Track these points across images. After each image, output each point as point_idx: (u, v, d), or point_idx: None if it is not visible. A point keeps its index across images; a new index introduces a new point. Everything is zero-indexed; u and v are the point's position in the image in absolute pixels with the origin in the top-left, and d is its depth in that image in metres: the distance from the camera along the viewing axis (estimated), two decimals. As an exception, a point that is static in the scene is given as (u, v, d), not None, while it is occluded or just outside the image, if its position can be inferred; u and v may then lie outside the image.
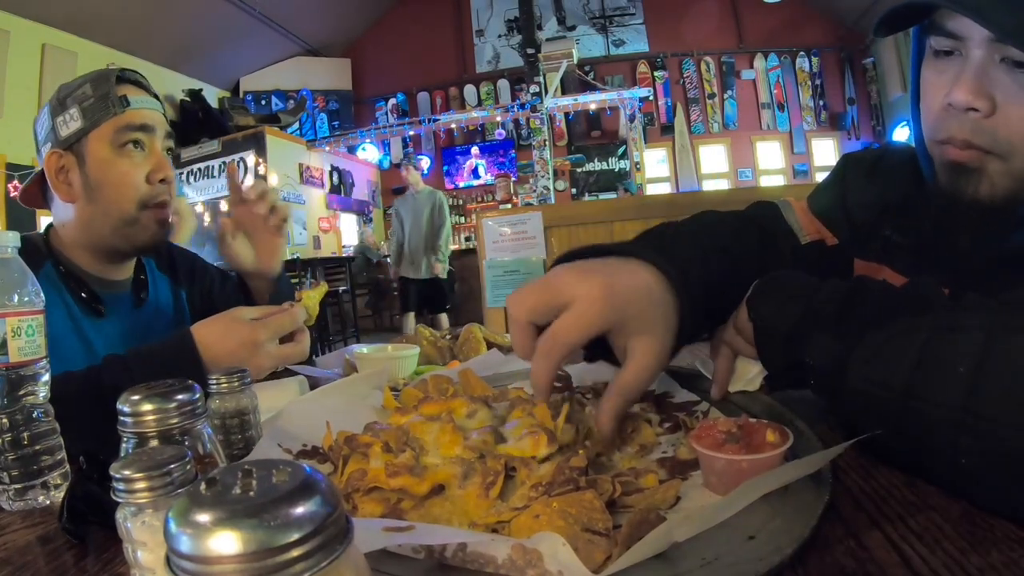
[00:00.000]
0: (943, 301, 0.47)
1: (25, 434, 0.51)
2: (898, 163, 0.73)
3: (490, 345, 1.04)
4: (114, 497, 0.31)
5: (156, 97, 0.99)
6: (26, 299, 0.52)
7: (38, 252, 0.94)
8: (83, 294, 0.95)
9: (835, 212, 0.76)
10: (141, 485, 0.30)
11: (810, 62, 8.78)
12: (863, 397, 0.45)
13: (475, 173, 9.37)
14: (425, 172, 9.56)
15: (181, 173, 6.67)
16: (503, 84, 9.29)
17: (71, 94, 0.92)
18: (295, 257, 6.66)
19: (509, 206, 7.80)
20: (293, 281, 0.85)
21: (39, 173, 0.98)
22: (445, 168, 9.54)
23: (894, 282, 0.62)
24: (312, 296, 0.83)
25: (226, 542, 0.18)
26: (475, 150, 9.36)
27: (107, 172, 0.93)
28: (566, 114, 8.44)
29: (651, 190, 8.18)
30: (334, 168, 8.43)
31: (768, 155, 8.84)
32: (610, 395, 0.50)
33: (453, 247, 8.00)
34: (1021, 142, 0.53)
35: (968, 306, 0.45)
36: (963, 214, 0.58)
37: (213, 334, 0.76)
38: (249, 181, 1.06)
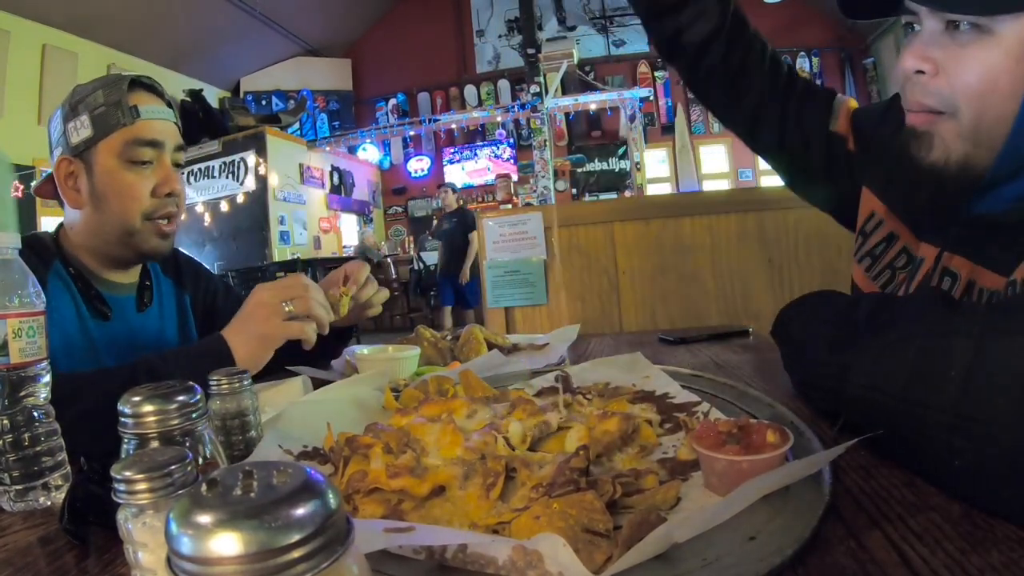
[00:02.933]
0: (939, 307, 0.49)
1: (26, 435, 0.51)
2: None
3: (491, 346, 1.04)
4: (115, 498, 0.31)
5: (170, 105, 0.99)
6: (27, 300, 0.52)
7: (47, 251, 0.95)
8: (91, 294, 0.96)
9: (866, 125, 0.82)
10: (142, 486, 0.30)
11: (810, 62, 8.77)
12: (864, 403, 0.47)
13: (476, 174, 9.37)
14: (426, 173, 9.59)
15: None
16: (503, 84, 9.29)
17: (83, 100, 0.93)
18: (295, 257, 6.66)
19: (509, 206, 7.80)
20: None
21: (52, 174, 0.98)
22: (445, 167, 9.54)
23: (883, 217, 0.72)
24: (347, 292, 0.95)
25: (227, 543, 0.18)
26: (480, 152, 9.35)
27: (113, 183, 0.93)
28: (566, 114, 8.44)
29: (651, 190, 8.17)
30: (334, 168, 8.43)
31: (768, 155, 8.83)
32: None
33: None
34: (964, 98, 0.56)
35: (962, 311, 0.46)
36: (925, 180, 0.61)
37: (233, 324, 0.84)
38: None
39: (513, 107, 7.17)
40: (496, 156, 9.35)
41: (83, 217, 0.96)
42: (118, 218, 0.94)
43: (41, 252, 0.94)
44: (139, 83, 0.96)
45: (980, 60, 0.54)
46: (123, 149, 0.92)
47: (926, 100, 0.59)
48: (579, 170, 8.78)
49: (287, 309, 0.83)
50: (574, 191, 8.83)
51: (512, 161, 9.16)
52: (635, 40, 8.99)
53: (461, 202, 6.35)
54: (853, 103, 0.87)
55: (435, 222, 7.24)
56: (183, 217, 1.05)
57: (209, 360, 0.77)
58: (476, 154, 9.42)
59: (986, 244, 0.58)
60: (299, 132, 8.26)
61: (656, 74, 8.91)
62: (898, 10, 0.62)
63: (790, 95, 0.88)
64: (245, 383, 0.57)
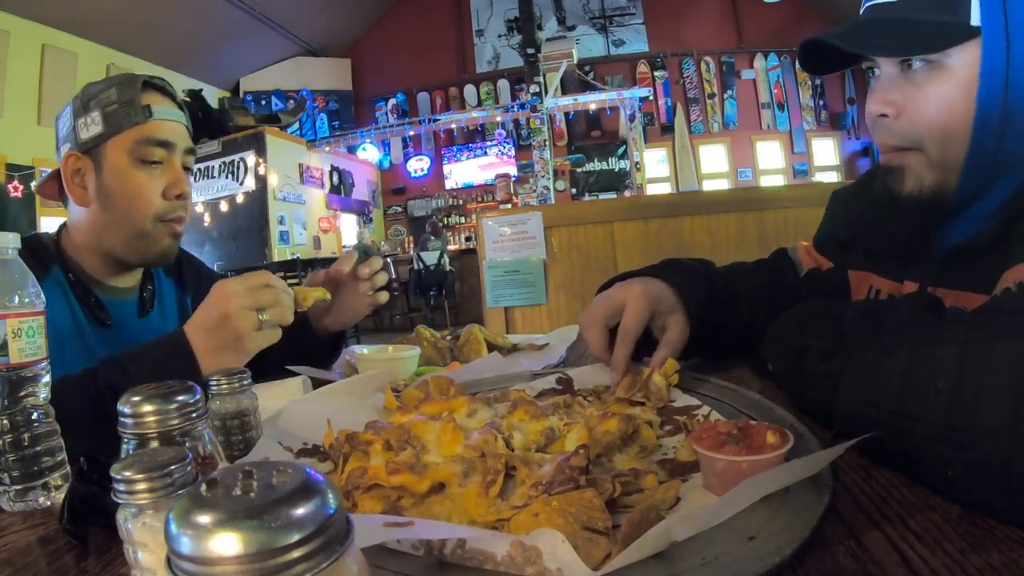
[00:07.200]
0: (925, 314, 0.50)
1: (26, 435, 0.51)
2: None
3: (491, 346, 1.04)
4: (115, 498, 0.31)
5: (181, 108, 0.98)
6: (26, 300, 0.52)
7: (47, 254, 0.93)
8: (91, 301, 0.94)
9: (826, 242, 0.87)
10: (142, 486, 0.30)
11: (810, 62, 8.77)
12: (856, 417, 0.47)
13: (476, 174, 9.38)
14: (426, 173, 9.60)
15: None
16: (503, 84, 9.29)
17: (95, 97, 0.91)
18: (295, 257, 6.66)
19: (509, 206, 7.80)
20: (293, 282, 0.85)
21: (56, 171, 0.97)
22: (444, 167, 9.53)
23: (880, 286, 0.74)
24: (309, 292, 0.86)
25: (227, 543, 0.18)
26: (480, 151, 9.36)
27: (123, 183, 0.92)
28: (566, 114, 8.44)
29: (651, 190, 8.17)
30: (334, 168, 8.43)
31: (768, 155, 8.83)
32: (661, 349, 0.73)
33: (453, 247, 8.01)
34: (927, 132, 0.59)
35: (947, 318, 0.48)
36: (904, 210, 0.64)
37: (195, 317, 0.76)
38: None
39: (513, 107, 7.18)
40: (496, 155, 9.35)
41: (89, 216, 0.94)
42: (127, 219, 0.92)
43: (40, 255, 0.92)
44: (151, 84, 0.95)
45: (936, 95, 0.58)
46: (134, 147, 0.91)
47: (891, 141, 0.62)
48: (579, 170, 8.78)
49: (264, 318, 0.75)
50: (574, 191, 8.84)
51: (512, 160, 9.16)
52: (635, 40, 8.99)
53: None
54: (802, 242, 0.91)
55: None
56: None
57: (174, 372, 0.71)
58: (476, 154, 9.42)
59: (965, 270, 0.60)
60: (299, 132, 8.26)
61: (656, 74, 8.91)
62: (856, 61, 0.65)
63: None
64: (245, 383, 0.57)
